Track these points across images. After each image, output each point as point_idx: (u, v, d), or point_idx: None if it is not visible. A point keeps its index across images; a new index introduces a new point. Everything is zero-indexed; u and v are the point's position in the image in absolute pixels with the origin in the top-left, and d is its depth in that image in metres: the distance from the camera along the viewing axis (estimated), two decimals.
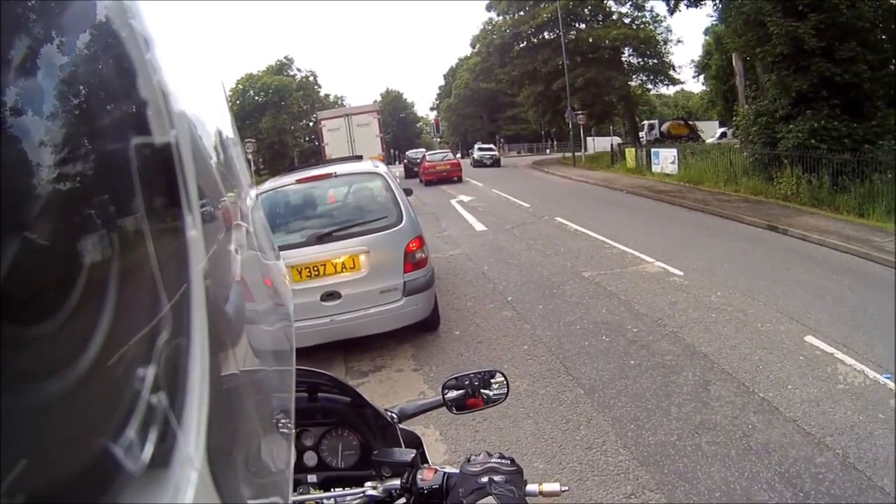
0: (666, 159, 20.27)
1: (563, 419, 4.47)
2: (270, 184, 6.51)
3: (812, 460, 3.72)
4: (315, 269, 5.64)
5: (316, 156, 30.48)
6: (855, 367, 4.90)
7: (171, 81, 0.53)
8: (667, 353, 5.45)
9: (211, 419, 0.49)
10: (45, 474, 0.33)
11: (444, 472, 1.37)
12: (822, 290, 7.09)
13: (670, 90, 46.54)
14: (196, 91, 0.68)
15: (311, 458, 1.69)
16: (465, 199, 18.81)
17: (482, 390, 1.69)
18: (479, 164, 36.09)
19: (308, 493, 1.57)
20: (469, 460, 1.30)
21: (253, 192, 0.84)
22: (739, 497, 3.47)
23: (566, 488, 1.29)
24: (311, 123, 54.76)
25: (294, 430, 0.93)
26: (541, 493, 1.28)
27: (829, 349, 5.27)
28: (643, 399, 4.65)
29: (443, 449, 4.10)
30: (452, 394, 1.69)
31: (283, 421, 0.83)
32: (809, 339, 5.52)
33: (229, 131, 0.74)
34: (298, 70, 62.01)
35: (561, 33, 31.56)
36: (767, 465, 3.70)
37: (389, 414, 1.70)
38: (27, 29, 0.37)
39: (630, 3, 34.70)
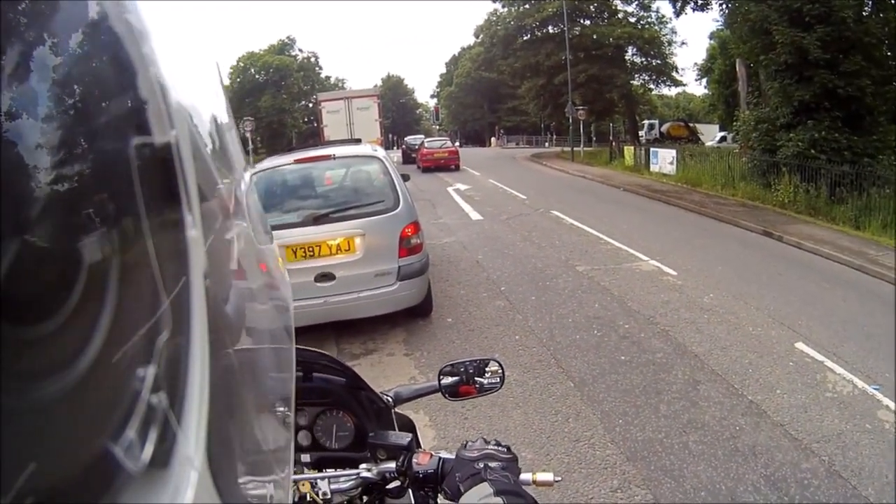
0: (664, 159, 20.15)
1: (552, 411, 4.46)
2: (268, 163, 6.53)
3: (798, 465, 3.73)
4: (310, 249, 5.64)
5: (314, 137, 30.23)
6: (844, 377, 4.91)
7: (169, 76, 0.53)
8: (658, 350, 5.45)
9: (211, 419, 0.49)
10: (45, 474, 0.33)
11: (440, 457, 1.37)
12: (814, 299, 7.11)
13: (672, 91, 45.75)
14: (194, 82, 0.67)
15: (305, 438, 1.69)
16: (462, 187, 18.57)
17: (476, 378, 1.69)
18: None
19: (302, 472, 1.55)
20: (465, 446, 1.30)
21: (247, 176, 0.82)
22: (724, 497, 3.47)
23: (559, 478, 1.32)
24: (310, 105, 53.94)
25: (293, 422, 0.93)
26: (534, 481, 1.29)
27: (819, 357, 5.28)
28: (632, 395, 4.65)
29: (431, 435, 4.09)
30: (448, 380, 1.69)
31: (286, 419, 0.83)
32: (800, 345, 5.53)
33: (224, 116, 0.73)
34: (300, 51, 60.97)
35: (565, 28, 31.33)
36: (753, 467, 3.71)
37: (385, 397, 1.70)
38: (23, 30, 0.36)
39: (636, 2, 34.55)
